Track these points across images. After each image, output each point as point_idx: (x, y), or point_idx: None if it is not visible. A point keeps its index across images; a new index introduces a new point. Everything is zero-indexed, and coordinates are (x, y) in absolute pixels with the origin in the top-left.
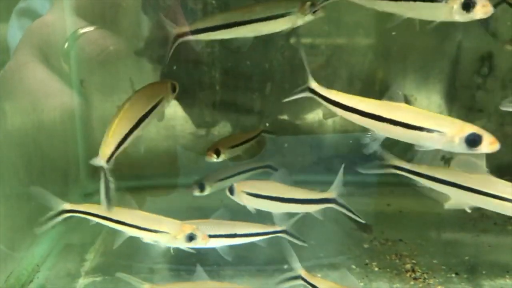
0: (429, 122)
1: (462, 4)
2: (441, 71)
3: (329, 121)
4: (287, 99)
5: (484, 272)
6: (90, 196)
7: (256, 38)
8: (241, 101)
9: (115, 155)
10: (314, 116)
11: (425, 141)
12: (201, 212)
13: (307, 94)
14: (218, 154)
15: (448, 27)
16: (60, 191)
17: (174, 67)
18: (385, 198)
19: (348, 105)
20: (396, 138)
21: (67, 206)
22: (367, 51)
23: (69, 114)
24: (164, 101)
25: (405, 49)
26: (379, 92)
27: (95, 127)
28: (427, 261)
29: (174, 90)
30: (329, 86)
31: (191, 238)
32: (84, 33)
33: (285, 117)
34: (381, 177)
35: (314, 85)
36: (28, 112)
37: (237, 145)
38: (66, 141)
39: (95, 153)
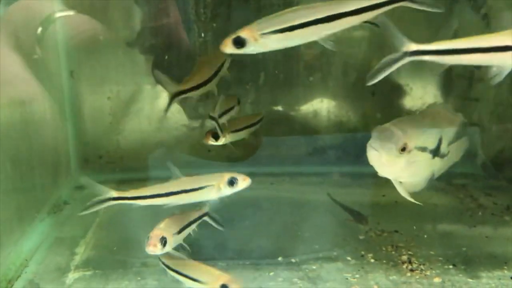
0: None
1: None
2: None
3: (324, 112)
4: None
5: (481, 264)
6: (81, 189)
7: None
8: (235, 91)
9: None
10: (308, 107)
11: None
12: (194, 204)
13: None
14: (216, 137)
15: (444, 15)
16: (50, 184)
17: (166, 57)
18: (380, 188)
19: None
20: None
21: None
22: (361, 41)
23: (59, 105)
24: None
25: None
26: (374, 83)
27: (86, 118)
28: (423, 253)
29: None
30: (323, 76)
31: None
32: (59, 17)
33: (279, 107)
34: None
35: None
36: (15, 104)
37: (240, 129)
38: (56, 133)
39: (85, 144)
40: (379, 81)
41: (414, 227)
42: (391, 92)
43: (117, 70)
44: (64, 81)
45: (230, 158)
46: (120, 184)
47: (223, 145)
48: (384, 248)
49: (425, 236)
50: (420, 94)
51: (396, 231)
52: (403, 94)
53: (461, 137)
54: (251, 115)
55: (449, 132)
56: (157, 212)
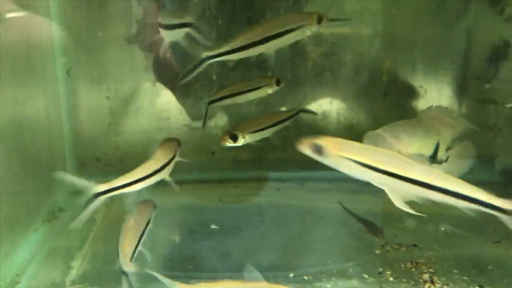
0: None
1: None
2: (452, 61)
3: (333, 113)
4: None
5: (510, 285)
6: (77, 195)
7: None
8: None
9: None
10: (317, 108)
11: None
12: (195, 210)
13: None
14: (235, 139)
15: (458, 13)
16: (44, 189)
17: (167, 55)
18: None
19: None
20: None
21: (101, 187)
22: (373, 39)
23: (55, 105)
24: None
25: (413, 37)
26: (387, 83)
27: (83, 118)
28: (446, 270)
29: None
30: (333, 75)
31: None
32: (9, 18)
33: (287, 108)
34: None
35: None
36: (8, 103)
37: (263, 128)
38: (51, 133)
39: (82, 145)
40: (392, 82)
41: (434, 241)
42: (404, 93)
43: (116, 67)
44: (60, 79)
45: (234, 161)
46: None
47: (229, 148)
48: (403, 265)
49: (446, 251)
50: (435, 96)
51: (415, 245)
52: (416, 95)
53: (463, 142)
54: (283, 111)
55: (447, 137)
56: (157, 220)
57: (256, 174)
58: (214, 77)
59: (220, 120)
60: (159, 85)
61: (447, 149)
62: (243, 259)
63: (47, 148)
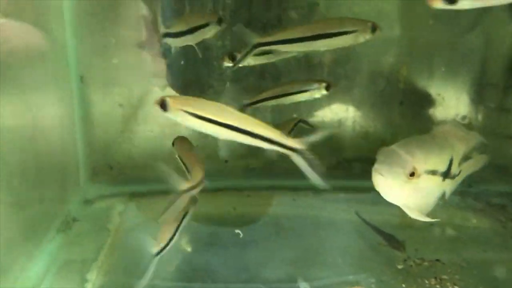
0: None
1: None
2: (471, 68)
3: (349, 121)
4: None
5: None
6: (90, 203)
7: None
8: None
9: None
10: (332, 116)
11: None
12: (212, 220)
13: None
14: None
15: (476, 18)
16: (58, 198)
17: (182, 63)
18: None
19: None
20: None
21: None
22: (389, 46)
23: (69, 112)
24: None
25: (431, 43)
26: (403, 91)
27: (96, 125)
28: None
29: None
30: (349, 83)
31: None
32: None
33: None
34: None
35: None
36: (23, 110)
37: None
38: (65, 141)
39: (95, 153)
40: (408, 90)
41: (457, 256)
42: (421, 101)
43: (129, 74)
44: (74, 86)
45: (246, 169)
46: (132, 197)
47: (241, 155)
48: (427, 281)
49: (471, 266)
50: (453, 104)
51: (438, 260)
52: (434, 103)
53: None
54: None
55: (460, 151)
56: None
57: (270, 182)
58: (227, 84)
59: None
60: (170, 90)
61: (460, 164)
62: (258, 271)
63: (61, 156)
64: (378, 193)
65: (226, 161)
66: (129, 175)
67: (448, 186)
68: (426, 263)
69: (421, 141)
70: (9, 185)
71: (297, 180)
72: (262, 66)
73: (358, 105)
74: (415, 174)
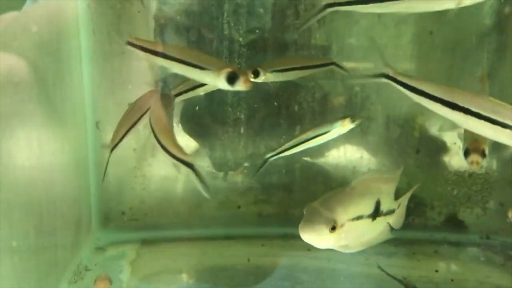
0: None
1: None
2: None
3: (364, 169)
4: None
5: None
6: (101, 251)
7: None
8: (269, 144)
9: None
10: (346, 163)
11: None
12: (226, 272)
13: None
14: (256, 74)
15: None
16: (71, 245)
17: (197, 108)
18: (431, 261)
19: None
20: None
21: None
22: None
23: (83, 157)
24: None
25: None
26: (419, 139)
27: (109, 170)
28: None
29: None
30: (363, 130)
31: None
32: None
33: (314, 162)
34: (424, 232)
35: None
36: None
37: (287, 70)
38: (79, 186)
39: (108, 199)
40: (425, 139)
41: None
42: (438, 150)
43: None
44: (89, 131)
45: (260, 216)
46: (144, 244)
47: (254, 202)
48: None
49: None
50: None
51: None
52: (450, 153)
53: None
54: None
55: (391, 190)
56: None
57: (283, 230)
58: (242, 130)
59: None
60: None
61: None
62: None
63: (74, 201)
64: (393, 245)
65: (239, 207)
66: (141, 221)
67: (388, 220)
68: None
69: (340, 194)
70: (25, 232)
71: None
72: (277, 110)
73: (373, 153)
74: (337, 227)
